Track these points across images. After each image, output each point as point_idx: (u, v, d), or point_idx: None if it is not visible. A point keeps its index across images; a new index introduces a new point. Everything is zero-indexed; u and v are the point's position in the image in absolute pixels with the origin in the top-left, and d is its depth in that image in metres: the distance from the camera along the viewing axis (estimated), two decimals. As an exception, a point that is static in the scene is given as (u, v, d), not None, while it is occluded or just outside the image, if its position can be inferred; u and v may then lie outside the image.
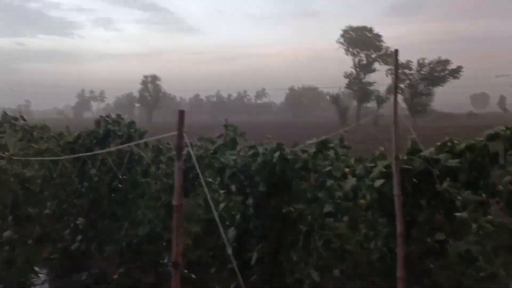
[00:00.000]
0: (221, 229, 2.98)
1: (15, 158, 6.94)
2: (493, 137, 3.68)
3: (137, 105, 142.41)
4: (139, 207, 5.52)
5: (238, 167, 3.97)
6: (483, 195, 3.72)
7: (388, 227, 3.79)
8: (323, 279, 3.96)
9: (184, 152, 3.19)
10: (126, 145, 4.86)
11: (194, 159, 3.22)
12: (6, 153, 7.08)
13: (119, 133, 5.45)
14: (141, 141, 4.87)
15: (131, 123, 5.46)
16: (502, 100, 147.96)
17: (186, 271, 6.00)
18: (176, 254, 2.82)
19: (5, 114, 8.38)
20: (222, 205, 4.49)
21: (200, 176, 3.38)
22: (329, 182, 3.74)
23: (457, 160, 3.45)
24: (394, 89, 2.99)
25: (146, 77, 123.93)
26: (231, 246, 4.00)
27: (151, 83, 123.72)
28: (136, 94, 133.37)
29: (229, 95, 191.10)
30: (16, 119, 7.98)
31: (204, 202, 5.38)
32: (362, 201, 3.66)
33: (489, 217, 3.16)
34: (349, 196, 3.56)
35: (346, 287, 5.15)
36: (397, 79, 3.00)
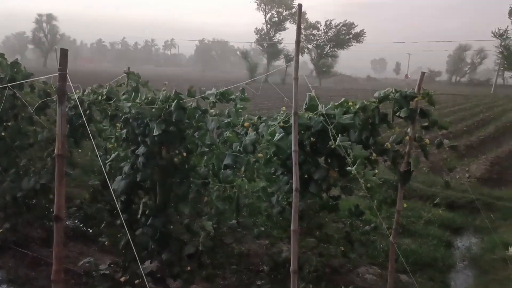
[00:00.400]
0: (108, 182, 2.82)
1: None
2: (383, 98, 3.91)
3: (30, 46, 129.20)
4: (24, 158, 5.05)
5: (131, 115, 3.75)
6: (373, 153, 3.98)
7: (289, 183, 3.91)
8: (218, 230, 3.99)
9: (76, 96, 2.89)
10: (4, 85, 4.32)
11: (77, 102, 2.93)
12: None
13: (0, 75, 4.84)
14: (18, 82, 4.36)
15: (15, 64, 4.86)
16: (397, 66, 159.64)
17: (80, 225, 5.75)
18: (57, 207, 2.62)
19: None
20: (114, 155, 4.24)
21: (85, 122, 3.12)
22: (227, 134, 3.70)
23: (350, 116, 3.59)
24: (296, 46, 2.96)
25: (40, 15, 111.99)
26: (119, 199, 3.84)
27: (46, 22, 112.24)
28: (29, 34, 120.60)
29: (136, 43, 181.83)
30: None
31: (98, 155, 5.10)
32: (260, 154, 3.69)
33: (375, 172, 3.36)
34: (247, 149, 3.55)
35: (243, 238, 5.32)
36: (299, 34, 2.97)
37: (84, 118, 3.52)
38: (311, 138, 3.84)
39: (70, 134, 4.40)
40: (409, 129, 4.06)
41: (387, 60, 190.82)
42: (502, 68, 68.28)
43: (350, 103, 3.99)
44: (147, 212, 3.85)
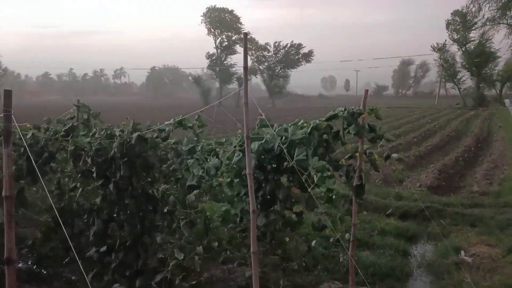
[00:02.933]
0: (60, 221, 2.77)
1: None
2: (333, 117, 4.09)
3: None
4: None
5: (94, 150, 3.74)
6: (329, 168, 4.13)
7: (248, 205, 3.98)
8: (187, 257, 4.00)
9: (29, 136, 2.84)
10: None
11: (25, 143, 2.89)
12: None
13: None
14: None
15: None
16: (346, 83, 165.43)
17: (33, 266, 5.51)
18: (8, 251, 2.54)
19: None
20: (80, 191, 4.21)
21: (33, 163, 3.08)
22: (190, 161, 3.76)
23: (303, 131, 3.73)
24: (244, 71, 3.08)
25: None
26: (92, 233, 3.79)
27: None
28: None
29: (85, 74, 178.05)
30: None
31: (56, 189, 4.98)
32: (221, 179, 3.75)
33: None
34: (209, 172, 3.62)
35: (207, 264, 5.29)
36: (246, 60, 3.10)
37: (31, 156, 3.47)
38: (271, 160, 3.95)
39: (28, 173, 4.29)
40: (359, 144, 4.25)
41: (336, 78, 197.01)
42: (443, 80, 72.09)
43: (305, 124, 4.15)
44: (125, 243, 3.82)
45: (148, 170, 3.76)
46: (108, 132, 3.78)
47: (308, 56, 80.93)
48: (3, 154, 2.55)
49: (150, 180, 3.89)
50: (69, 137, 3.93)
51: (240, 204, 4.09)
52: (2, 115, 2.51)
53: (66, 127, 4.30)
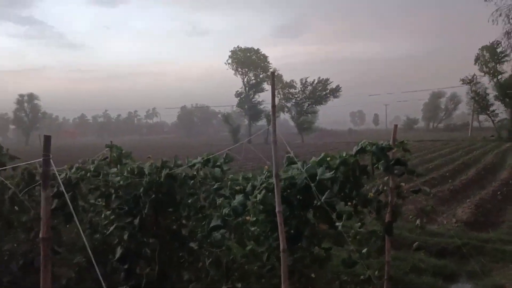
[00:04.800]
0: (92, 258, 2.82)
1: None
2: (360, 151, 4.07)
3: (12, 126, 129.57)
4: (9, 241, 4.96)
5: (124, 188, 3.83)
6: (354, 204, 4.07)
7: (275, 242, 3.94)
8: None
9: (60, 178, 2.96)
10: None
11: (61, 186, 3.00)
12: None
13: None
14: (4, 168, 4.41)
15: (-4, 147, 4.92)
16: (376, 117, 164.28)
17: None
18: (44, 290, 2.59)
19: None
20: (111, 228, 4.29)
21: (69, 202, 3.18)
22: (218, 199, 3.78)
23: (331, 173, 3.71)
24: (272, 110, 3.14)
25: (21, 96, 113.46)
26: (123, 269, 3.82)
27: (27, 102, 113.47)
28: (10, 114, 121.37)
29: (118, 115, 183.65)
30: None
31: (88, 228, 5.07)
32: (247, 217, 3.75)
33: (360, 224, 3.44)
34: (237, 211, 3.62)
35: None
36: (273, 99, 3.17)
37: (66, 197, 3.57)
38: (297, 196, 3.93)
39: (61, 213, 4.41)
40: (389, 179, 4.20)
41: (365, 112, 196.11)
42: (476, 112, 70.62)
43: (328, 158, 4.13)
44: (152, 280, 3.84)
45: (175, 207, 3.79)
46: (137, 170, 3.86)
47: (335, 91, 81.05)
48: (41, 197, 2.64)
49: (175, 218, 3.91)
50: (100, 176, 4.04)
51: (266, 241, 4.05)
52: (41, 159, 2.62)
53: (96, 166, 4.43)
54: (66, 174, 4.15)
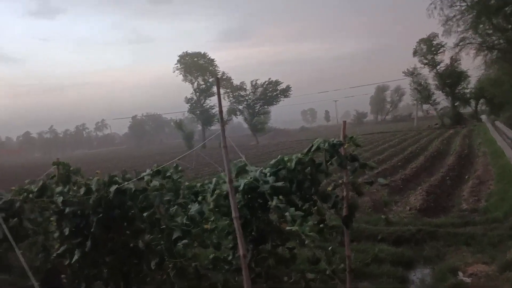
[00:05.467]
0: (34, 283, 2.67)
1: None
2: (312, 150, 4.11)
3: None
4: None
5: (70, 208, 3.64)
6: (314, 200, 4.11)
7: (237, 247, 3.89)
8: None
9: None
10: None
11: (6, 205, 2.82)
12: None
13: None
14: None
15: None
16: (326, 114, 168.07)
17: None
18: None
19: None
20: (60, 250, 4.07)
21: (4, 228, 2.99)
22: (172, 209, 3.70)
23: (282, 183, 3.72)
24: (219, 115, 3.10)
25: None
26: None
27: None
28: None
29: (66, 130, 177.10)
30: None
31: (41, 252, 4.82)
32: (206, 225, 3.68)
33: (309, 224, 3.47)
34: (195, 220, 3.55)
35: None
36: (220, 104, 3.13)
37: (3, 226, 3.35)
38: (258, 199, 3.91)
39: (3, 238, 4.15)
40: (344, 175, 4.26)
41: (316, 109, 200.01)
42: (420, 102, 73.74)
43: (286, 158, 4.15)
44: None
45: (129, 222, 3.66)
46: (84, 187, 3.70)
47: (286, 91, 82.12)
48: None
49: (130, 233, 3.77)
50: (43, 197, 3.84)
51: (229, 243, 4.01)
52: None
53: (39, 187, 4.21)
54: (10, 198, 3.91)
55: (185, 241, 3.62)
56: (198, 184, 4.08)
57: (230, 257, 4.10)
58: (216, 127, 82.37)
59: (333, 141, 4.13)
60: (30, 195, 3.92)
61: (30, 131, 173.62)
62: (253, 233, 3.90)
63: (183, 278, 3.82)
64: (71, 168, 5.45)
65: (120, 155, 77.99)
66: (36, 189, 3.92)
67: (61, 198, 3.53)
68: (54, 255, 3.97)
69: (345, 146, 4.16)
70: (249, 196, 3.80)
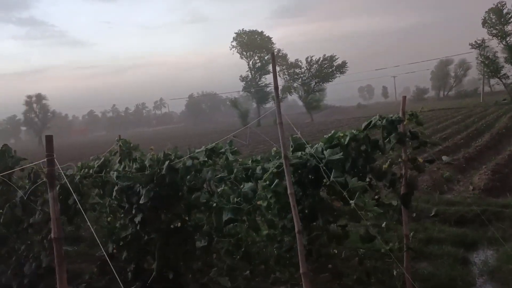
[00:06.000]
0: (105, 253, 2.80)
1: None
2: (369, 126, 3.98)
3: (23, 128, 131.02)
4: (22, 243, 4.98)
5: (124, 183, 3.76)
6: (370, 178, 4.00)
7: (292, 222, 3.89)
8: (234, 282, 3.95)
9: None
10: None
11: (67, 183, 2.97)
12: None
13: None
14: (11, 171, 4.40)
15: (4, 151, 4.92)
16: (384, 90, 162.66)
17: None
18: (62, 289, 2.58)
19: None
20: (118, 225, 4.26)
21: (77, 201, 3.15)
22: (220, 187, 3.72)
23: (339, 155, 3.62)
24: (275, 91, 3.06)
25: (29, 97, 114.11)
26: (129, 267, 3.80)
27: (36, 103, 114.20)
28: (20, 116, 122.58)
29: (127, 109, 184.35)
30: None
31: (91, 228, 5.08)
32: (259, 203, 3.69)
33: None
34: (247, 197, 3.56)
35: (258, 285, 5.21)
36: (276, 80, 3.08)
37: (75, 196, 3.53)
38: (309, 176, 3.87)
39: (63, 212, 4.40)
40: (402, 152, 4.11)
41: (373, 86, 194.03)
42: (486, 76, 69.37)
43: (340, 134, 4.05)
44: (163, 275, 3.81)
45: (177, 201, 3.72)
46: (138, 163, 3.78)
47: (341, 68, 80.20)
48: (49, 197, 2.61)
49: (178, 213, 3.83)
50: (103, 173, 4.00)
51: (281, 224, 4.01)
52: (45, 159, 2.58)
53: (99, 163, 4.38)
54: (71, 174, 4.11)
55: (234, 221, 3.63)
56: (250, 161, 4.09)
57: (283, 235, 4.11)
58: (270, 105, 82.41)
59: (391, 117, 3.98)
60: (91, 171, 4.11)
61: (94, 110, 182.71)
62: (305, 211, 3.87)
63: (233, 256, 3.87)
64: (131, 145, 5.66)
65: (177, 133, 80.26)
66: (96, 166, 4.09)
67: (115, 174, 3.66)
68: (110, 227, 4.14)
69: (405, 123, 4.00)
70: (300, 172, 3.76)
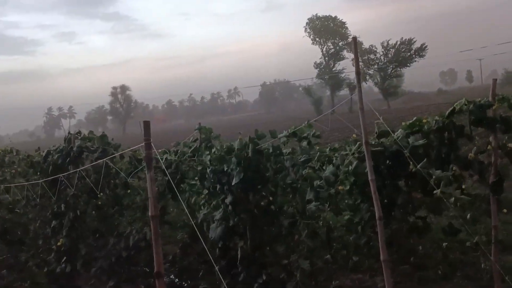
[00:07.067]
0: (198, 233, 2.99)
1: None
2: (456, 112, 3.80)
3: (109, 117, 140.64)
4: (122, 220, 5.48)
5: (213, 166, 3.98)
6: (454, 168, 3.84)
7: (371, 211, 3.87)
8: (313, 266, 4.03)
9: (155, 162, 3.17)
10: (101, 160, 4.79)
11: (163, 166, 3.18)
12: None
13: (92, 149, 5.41)
14: (114, 155, 4.82)
15: (103, 136, 5.41)
16: (469, 74, 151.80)
17: (175, 279, 5.99)
18: (157, 265, 2.82)
19: (-27, 142, 8.59)
20: (205, 208, 4.49)
21: (172, 183, 3.37)
22: (306, 171, 3.79)
23: (423, 140, 3.52)
24: (357, 77, 3.04)
25: (115, 88, 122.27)
26: (216, 247, 4.01)
27: (120, 93, 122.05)
28: (107, 106, 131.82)
29: (202, 98, 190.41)
30: (-16, 146, 8.12)
31: (187, 208, 5.38)
32: (340, 187, 3.71)
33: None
34: (329, 181, 3.60)
35: (336, 273, 5.24)
36: (358, 66, 3.05)
37: (169, 177, 3.80)
38: (388, 163, 3.80)
39: (168, 192, 4.74)
40: (491, 138, 3.89)
41: (456, 70, 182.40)
42: None
43: (424, 121, 3.92)
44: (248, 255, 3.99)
45: (263, 182, 3.86)
46: (226, 147, 3.97)
47: (421, 51, 76.15)
48: (147, 178, 2.86)
49: (264, 194, 3.97)
50: (195, 157, 4.26)
51: (359, 212, 3.99)
52: (144, 143, 2.83)
53: (192, 149, 4.64)
54: (166, 158, 4.42)
55: (316, 203, 3.70)
56: (327, 149, 4.11)
57: (361, 224, 4.09)
58: (344, 92, 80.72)
59: (479, 101, 3.78)
60: (185, 156, 4.39)
61: (172, 100, 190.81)
62: (384, 201, 3.82)
63: (315, 239, 3.93)
64: (212, 133, 5.90)
65: (253, 120, 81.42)
66: (190, 151, 4.38)
67: (208, 157, 3.87)
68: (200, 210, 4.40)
69: (494, 107, 3.77)
70: (380, 160, 3.71)
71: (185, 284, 5.80)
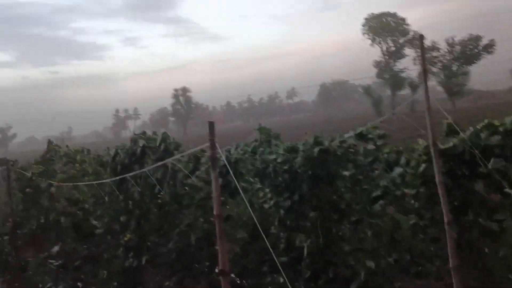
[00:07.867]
0: (261, 232, 3.02)
1: (64, 184, 7.38)
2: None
3: (171, 118, 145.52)
4: (184, 218, 5.65)
5: (279, 165, 4.03)
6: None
7: (438, 214, 3.72)
8: (377, 267, 3.95)
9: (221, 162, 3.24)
10: (165, 161, 4.97)
11: (227, 165, 3.26)
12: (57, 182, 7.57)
13: (155, 149, 5.65)
14: (177, 156, 4.99)
15: (166, 136, 5.64)
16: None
17: (236, 278, 6.06)
18: (222, 263, 2.88)
19: (50, 142, 9.24)
20: (266, 206, 4.55)
21: (235, 182, 3.43)
22: (373, 172, 3.74)
23: (499, 137, 3.32)
24: (423, 75, 2.93)
25: (176, 90, 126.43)
26: (279, 245, 4.04)
27: (182, 95, 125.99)
28: (169, 108, 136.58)
29: (261, 99, 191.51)
30: (59, 146, 8.75)
31: (250, 206, 5.45)
32: (407, 191, 3.60)
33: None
34: (396, 182, 3.53)
35: (398, 276, 5.08)
36: (424, 64, 2.94)
37: (233, 177, 3.88)
38: (459, 164, 3.63)
39: (229, 190, 4.84)
40: None
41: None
42: None
43: (496, 124, 3.68)
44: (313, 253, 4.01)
45: (329, 181, 3.85)
46: (291, 148, 4.00)
47: (489, 48, 71.90)
48: (212, 177, 2.93)
49: (333, 191, 3.97)
50: (256, 156, 4.32)
51: (427, 214, 3.85)
52: (209, 143, 2.91)
53: (251, 147, 4.69)
54: (226, 156, 4.52)
55: (383, 201, 3.65)
56: (387, 152, 4.01)
57: (430, 226, 3.94)
58: (404, 92, 77.90)
59: None
60: (246, 154, 4.47)
61: (231, 101, 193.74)
62: (454, 203, 3.64)
63: (379, 239, 3.87)
64: (272, 133, 5.93)
65: (311, 121, 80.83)
66: (250, 149, 4.44)
67: (273, 156, 3.91)
68: (262, 208, 4.44)
69: None
70: (451, 161, 3.55)
71: (246, 283, 5.86)
